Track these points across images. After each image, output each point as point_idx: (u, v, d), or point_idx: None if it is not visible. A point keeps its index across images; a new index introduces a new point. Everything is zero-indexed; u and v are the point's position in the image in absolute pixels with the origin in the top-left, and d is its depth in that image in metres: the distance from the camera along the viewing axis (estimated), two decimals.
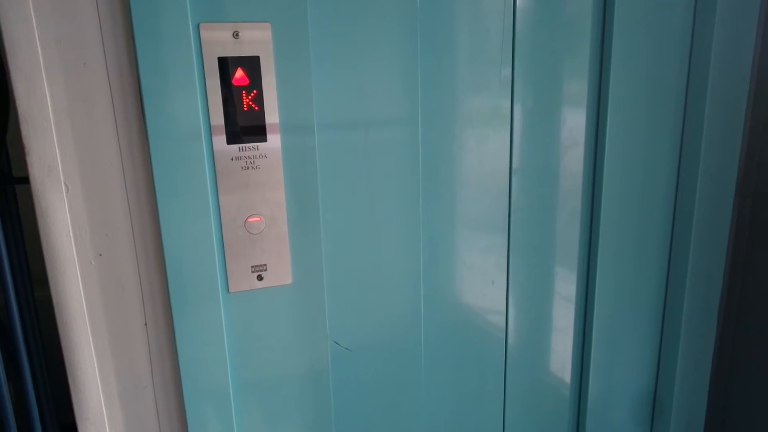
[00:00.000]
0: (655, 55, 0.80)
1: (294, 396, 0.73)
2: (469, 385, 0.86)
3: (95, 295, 0.62)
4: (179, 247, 0.62)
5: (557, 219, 0.84)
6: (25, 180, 0.58)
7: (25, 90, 0.55)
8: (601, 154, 0.82)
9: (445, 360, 0.83)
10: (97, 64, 0.57)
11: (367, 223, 0.73)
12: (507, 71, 0.75)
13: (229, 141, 0.63)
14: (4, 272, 0.63)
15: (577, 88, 0.80)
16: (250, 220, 0.65)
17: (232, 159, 0.63)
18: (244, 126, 0.63)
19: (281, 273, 0.68)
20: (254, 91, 0.62)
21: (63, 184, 0.58)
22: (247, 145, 0.64)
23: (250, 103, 0.63)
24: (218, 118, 0.62)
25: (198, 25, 0.59)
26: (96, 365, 0.64)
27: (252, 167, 0.64)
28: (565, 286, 0.88)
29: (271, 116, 0.64)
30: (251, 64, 0.62)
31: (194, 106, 0.60)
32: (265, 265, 0.67)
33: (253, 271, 0.67)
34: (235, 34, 0.61)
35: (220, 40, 0.60)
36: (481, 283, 0.83)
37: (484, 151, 0.77)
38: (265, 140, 0.64)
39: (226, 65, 0.61)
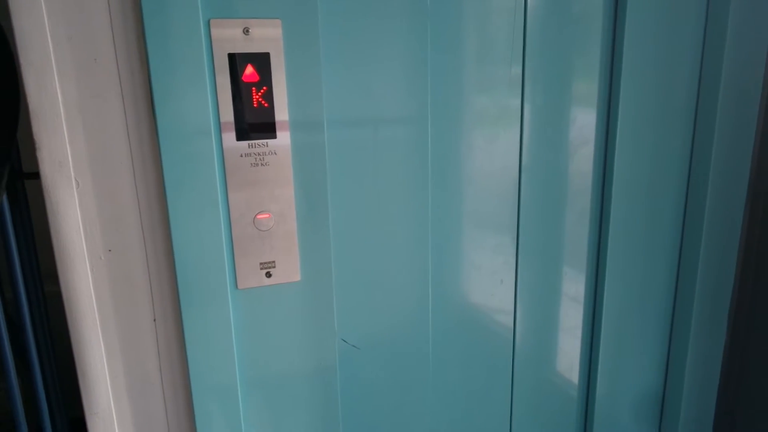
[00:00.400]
0: (666, 53, 0.79)
1: (301, 393, 0.73)
2: (476, 384, 0.85)
3: (105, 290, 0.62)
4: (188, 243, 0.62)
5: (566, 218, 0.84)
6: (35, 175, 0.58)
7: (36, 85, 0.55)
8: (611, 153, 0.81)
9: (453, 359, 0.83)
10: (107, 59, 0.57)
11: (375, 220, 0.73)
12: (517, 69, 0.75)
13: (239, 137, 0.63)
14: (14, 267, 0.63)
15: (588, 86, 0.79)
16: (259, 216, 0.65)
17: (241, 155, 0.63)
18: (254, 123, 0.63)
19: (290, 270, 0.68)
20: (264, 88, 0.62)
21: (73, 179, 0.58)
22: (256, 141, 0.63)
23: (260, 99, 0.63)
24: (228, 115, 0.62)
25: (209, 21, 0.59)
26: (105, 360, 0.64)
27: (261, 164, 0.64)
28: (574, 286, 0.88)
29: (281, 113, 0.64)
30: (261, 61, 0.62)
31: (204, 102, 0.60)
32: (273, 262, 0.67)
33: (261, 268, 0.67)
34: (246, 31, 0.60)
35: (231, 37, 0.60)
36: (490, 282, 0.82)
37: (494, 150, 0.77)
38: (274, 137, 0.64)
39: (236, 62, 0.61)
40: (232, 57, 0.61)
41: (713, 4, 0.79)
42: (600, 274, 0.87)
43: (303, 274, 0.69)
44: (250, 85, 0.62)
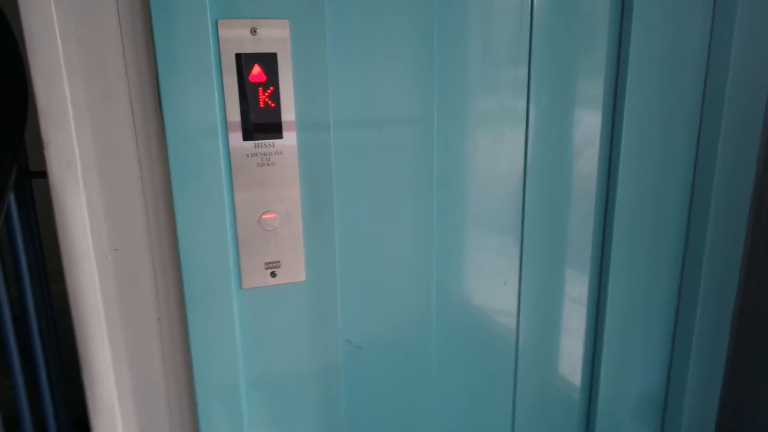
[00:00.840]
0: (672, 54, 0.79)
1: (305, 393, 0.73)
2: (479, 386, 0.85)
3: (110, 289, 0.62)
4: (194, 242, 0.63)
5: (571, 220, 0.84)
6: (42, 174, 0.59)
7: (45, 85, 0.55)
8: (616, 155, 0.81)
9: (456, 360, 0.83)
10: (116, 59, 0.57)
11: (380, 221, 0.73)
12: (523, 71, 0.75)
13: (245, 137, 0.63)
14: (21, 266, 0.63)
15: (593, 88, 0.79)
16: (264, 216, 0.66)
17: (247, 155, 0.63)
18: (261, 123, 0.63)
19: (295, 270, 0.68)
20: (271, 88, 0.62)
21: (81, 178, 0.58)
22: (263, 141, 0.64)
23: (267, 99, 0.63)
24: (235, 115, 0.62)
25: (216, 22, 0.59)
26: (110, 359, 0.64)
27: (267, 164, 0.64)
28: (578, 288, 0.87)
29: (288, 113, 0.64)
30: (268, 61, 0.62)
31: (211, 102, 0.60)
32: (278, 261, 0.67)
33: (266, 268, 0.67)
34: (253, 31, 0.61)
35: (238, 37, 0.60)
36: (493, 283, 0.82)
37: (499, 151, 0.77)
38: (281, 137, 0.64)
39: (243, 62, 0.61)
40: (239, 57, 0.61)
41: (720, 5, 0.79)
42: (604, 277, 0.87)
43: (308, 274, 0.69)
44: (257, 85, 0.62)
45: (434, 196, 0.74)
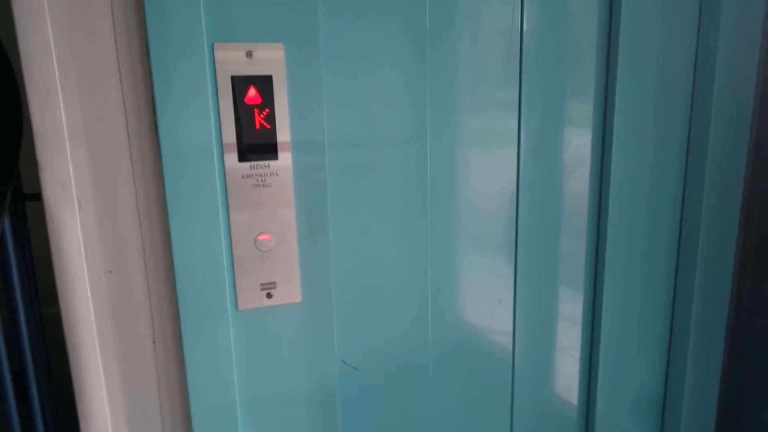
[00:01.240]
0: (659, 74, 0.81)
1: (301, 415, 0.72)
2: (476, 405, 0.85)
3: (104, 311, 0.62)
4: (189, 263, 0.62)
5: (564, 238, 0.84)
6: (37, 197, 0.59)
7: (41, 106, 0.56)
8: (607, 174, 0.82)
9: (453, 379, 0.82)
10: (112, 81, 0.58)
11: (375, 241, 0.73)
12: (514, 92, 0.76)
13: (241, 159, 0.63)
14: (13, 289, 0.63)
15: (583, 108, 0.81)
16: (260, 237, 0.66)
17: (243, 177, 0.64)
18: (256, 144, 0.63)
19: (290, 291, 0.68)
20: (266, 110, 0.63)
21: (75, 200, 0.58)
22: (258, 163, 0.64)
23: (262, 121, 0.63)
24: (230, 136, 0.62)
25: (212, 45, 0.60)
26: (103, 383, 0.63)
27: (263, 185, 0.65)
28: (572, 306, 0.88)
29: (283, 134, 0.64)
30: (264, 84, 0.62)
31: (207, 124, 0.61)
32: (274, 282, 0.67)
33: (262, 289, 0.67)
34: (249, 54, 0.61)
35: (234, 60, 0.61)
36: (489, 302, 0.82)
37: (492, 171, 0.78)
38: (276, 158, 0.64)
39: (239, 84, 0.62)
40: (234, 79, 0.61)
41: (704, 28, 0.81)
42: (598, 293, 0.87)
43: (304, 295, 0.69)
44: (253, 107, 0.63)
45: (428, 215, 0.75)
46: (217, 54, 0.60)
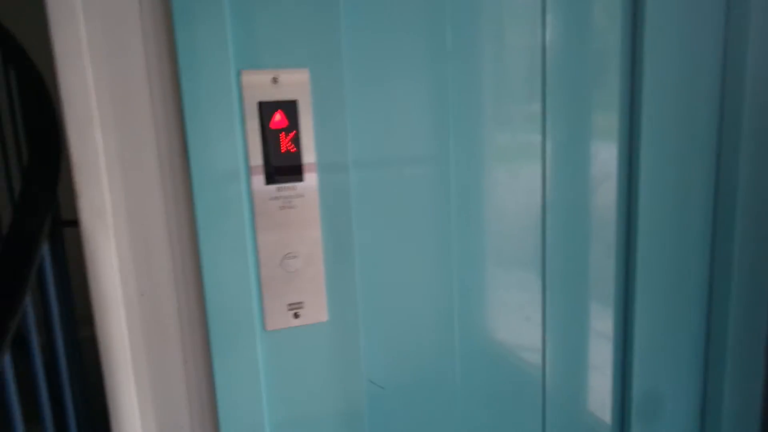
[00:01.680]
0: (685, 85, 0.80)
1: None
2: (506, 425, 0.83)
3: (137, 333, 0.63)
4: (218, 284, 0.64)
5: (592, 253, 0.83)
6: (73, 223, 0.61)
7: (79, 138, 0.58)
8: (635, 187, 0.81)
9: (482, 398, 0.81)
10: (144, 110, 0.60)
11: (401, 259, 0.73)
12: (537, 106, 0.76)
13: (268, 181, 0.65)
14: (52, 313, 0.65)
15: (609, 121, 0.80)
16: (287, 258, 0.67)
17: (270, 199, 0.65)
18: (283, 167, 0.65)
19: (317, 310, 0.69)
20: (292, 132, 0.64)
21: (111, 226, 0.60)
22: (284, 185, 0.65)
23: (288, 144, 0.65)
24: (257, 159, 0.64)
25: (239, 72, 0.62)
26: (136, 404, 0.64)
27: (289, 206, 0.66)
28: (603, 322, 0.86)
29: (308, 157, 0.66)
30: (290, 108, 0.64)
31: (235, 148, 0.62)
32: (301, 302, 0.68)
33: (289, 309, 0.68)
34: (274, 80, 0.63)
35: (260, 85, 0.63)
36: (516, 319, 0.81)
37: (517, 187, 0.78)
38: (302, 180, 0.66)
39: (265, 109, 0.63)
40: (261, 105, 0.63)
41: (731, 32, 0.80)
42: (629, 309, 0.85)
43: (330, 314, 0.69)
44: (279, 131, 0.64)
45: (453, 232, 0.75)
46: (244, 80, 0.62)
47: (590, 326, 0.85)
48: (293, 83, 0.64)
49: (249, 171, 0.64)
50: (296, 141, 0.65)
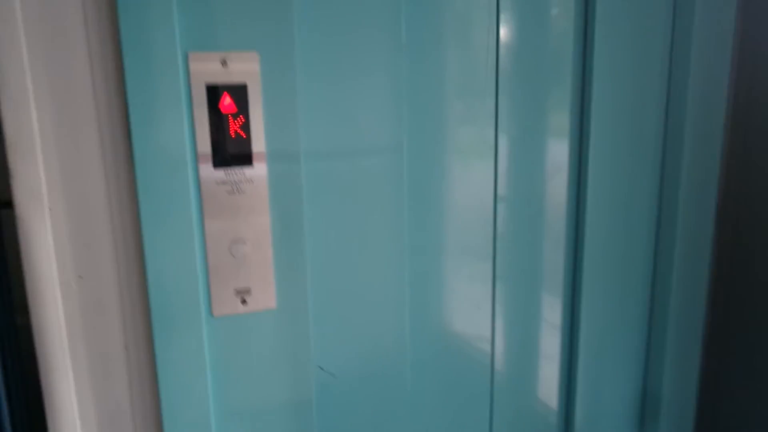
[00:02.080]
0: (633, 86, 0.83)
1: (277, 423, 0.72)
2: (455, 411, 0.85)
3: (75, 317, 0.62)
4: (163, 269, 0.62)
5: (542, 245, 0.85)
6: (8, 204, 0.59)
7: (13, 116, 0.56)
8: (584, 182, 0.84)
9: (431, 385, 0.82)
10: (85, 89, 0.58)
11: (352, 248, 0.73)
12: (491, 101, 0.78)
13: (216, 166, 0.64)
14: None
15: (560, 118, 0.82)
16: (234, 243, 0.66)
17: (218, 183, 0.64)
18: (231, 152, 0.64)
19: (265, 297, 0.68)
20: (241, 118, 0.64)
21: (47, 207, 0.58)
22: (233, 170, 0.64)
23: (237, 129, 0.64)
24: (205, 144, 0.63)
25: (187, 54, 0.61)
26: (74, 391, 0.63)
27: (238, 192, 0.65)
28: (551, 312, 0.88)
29: (258, 142, 0.65)
30: (239, 92, 0.63)
31: (181, 131, 0.61)
32: (249, 288, 0.67)
33: (236, 295, 0.67)
34: (224, 63, 0.62)
35: (209, 68, 0.62)
36: (467, 308, 0.83)
37: (469, 179, 0.79)
38: (251, 165, 0.65)
39: (214, 92, 0.62)
40: (209, 88, 0.62)
41: (677, 39, 0.83)
42: (576, 299, 0.88)
43: (279, 301, 0.69)
44: (227, 115, 0.63)
45: (406, 222, 0.75)
46: (191, 63, 0.61)
47: (539, 316, 0.88)
48: (243, 67, 0.63)
49: (196, 154, 0.63)
50: (246, 126, 0.64)
